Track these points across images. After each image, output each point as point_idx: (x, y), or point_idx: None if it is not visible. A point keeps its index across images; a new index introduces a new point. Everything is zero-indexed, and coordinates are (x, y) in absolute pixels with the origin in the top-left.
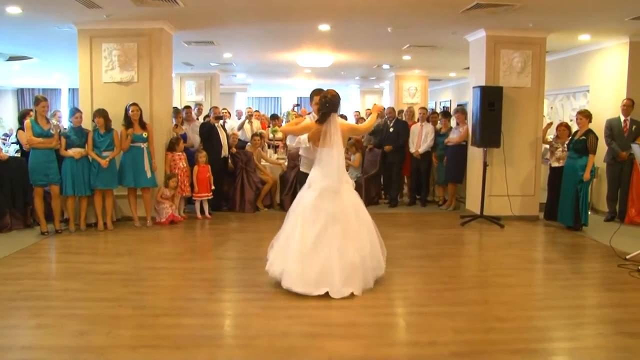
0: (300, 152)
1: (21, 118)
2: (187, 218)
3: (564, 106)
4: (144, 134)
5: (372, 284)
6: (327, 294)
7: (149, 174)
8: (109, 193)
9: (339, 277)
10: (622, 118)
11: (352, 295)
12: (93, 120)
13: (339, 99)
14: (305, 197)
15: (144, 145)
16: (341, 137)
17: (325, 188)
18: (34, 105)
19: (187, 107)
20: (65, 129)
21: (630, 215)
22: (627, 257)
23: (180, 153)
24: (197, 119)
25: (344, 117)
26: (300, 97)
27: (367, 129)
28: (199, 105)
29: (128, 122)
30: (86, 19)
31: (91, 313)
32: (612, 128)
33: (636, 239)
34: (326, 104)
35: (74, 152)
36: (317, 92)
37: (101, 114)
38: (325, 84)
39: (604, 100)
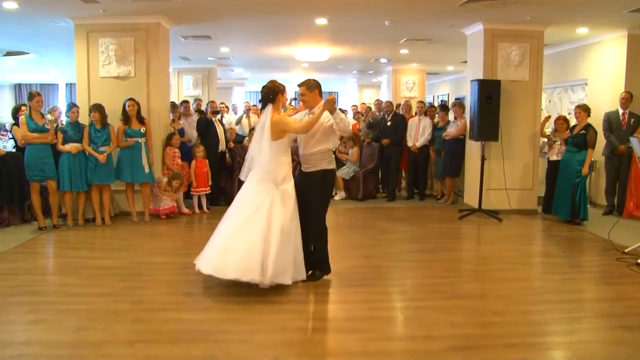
0: None
1: (14, 113)
2: (190, 214)
3: (562, 99)
4: (142, 129)
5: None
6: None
7: (146, 169)
8: (107, 188)
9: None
10: (621, 111)
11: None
12: (89, 115)
13: (275, 89)
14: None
15: (141, 140)
16: (269, 129)
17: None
18: (28, 100)
19: (185, 102)
20: (63, 124)
21: (628, 209)
22: (626, 250)
23: (175, 149)
24: (195, 113)
25: (342, 111)
26: (298, 92)
27: (301, 128)
28: (197, 100)
29: (126, 117)
30: (83, 13)
31: (88, 308)
32: (611, 121)
33: (634, 232)
34: (261, 93)
35: (71, 147)
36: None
37: (97, 108)
38: (323, 78)
39: (602, 93)
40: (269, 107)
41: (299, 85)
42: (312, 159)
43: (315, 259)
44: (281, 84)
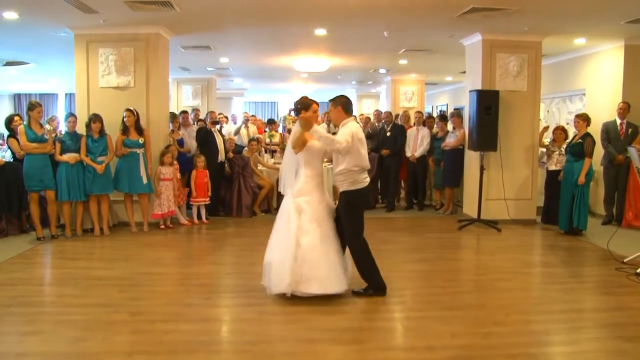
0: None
1: (7, 124)
2: (190, 225)
3: (560, 110)
4: (140, 140)
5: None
6: None
7: (145, 180)
8: (105, 198)
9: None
10: (618, 121)
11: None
12: (87, 126)
13: (301, 104)
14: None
15: (140, 151)
16: (291, 142)
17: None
18: (28, 110)
19: (184, 112)
20: (62, 134)
21: (627, 219)
22: (625, 260)
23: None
24: (194, 124)
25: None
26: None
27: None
28: (195, 110)
29: (124, 127)
30: (83, 24)
31: (86, 319)
32: (609, 131)
33: (634, 242)
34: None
35: (69, 157)
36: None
37: (98, 118)
38: (322, 89)
39: (600, 103)
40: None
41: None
42: (338, 178)
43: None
44: (311, 101)
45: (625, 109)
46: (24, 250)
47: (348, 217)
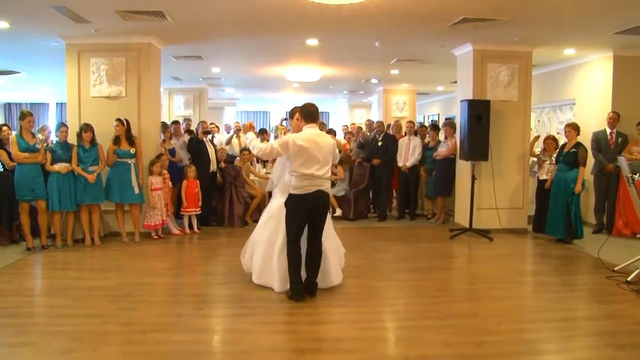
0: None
1: None
2: (181, 235)
3: (550, 119)
4: (132, 150)
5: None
6: None
7: (136, 190)
8: (96, 208)
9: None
10: (608, 130)
11: None
12: (78, 135)
13: (291, 111)
14: None
15: (131, 161)
16: None
17: None
18: (19, 120)
19: (175, 122)
20: (53, 143)
21: (617, 227)
22: (616, 268)
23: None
24: (184, 133)
25: (333, 131)
26: (289, 112)
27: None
28: (187, 120)
29: (116, 137)
30: (74, 33)
31: (77, 330)
32: (599, 140)
33: (624, 251)
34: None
35: (60, 167)
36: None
37: (89, 128)
38: (314, 98)
39: (590, 113)
40: None
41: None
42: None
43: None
44: (297, 108)
45: (614, 119)
46: (14, 261)
47: (285, 220)
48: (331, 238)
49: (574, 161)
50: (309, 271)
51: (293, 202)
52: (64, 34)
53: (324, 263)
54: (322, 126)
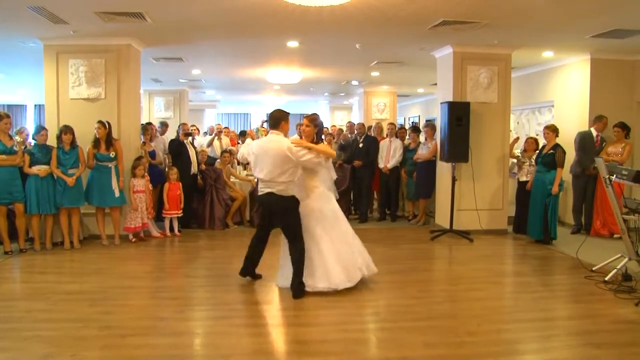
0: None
1: None
2: (162, 237)
3: (529, 121)
4: (111, 154)
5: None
6: None
7: (117, 193)
8: (76, 211)
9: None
10: (595, 133)
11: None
12: (58, 137)
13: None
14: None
15: (111, 165)
16: None
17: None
18: None
19: (149, 124)
20: (31, 145)
21: (595, 228)
22: (594, 268)
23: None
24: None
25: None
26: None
27: None
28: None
29: (95, 140)
30: (52, 34)
31: (56, 334)
32: (585, 140)
33: (602, 251)
34: (320, 127)
35: (39, 169)
36: (285, 115)
37: (69, 130)
38: (295, 101)
39: (569, 114)
40: None
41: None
42: None
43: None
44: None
45: (605, 124)
46: None
47: None
48: (334, 243)
49: (552, 162)
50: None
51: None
52: (42, 35)
53: (310, 264)
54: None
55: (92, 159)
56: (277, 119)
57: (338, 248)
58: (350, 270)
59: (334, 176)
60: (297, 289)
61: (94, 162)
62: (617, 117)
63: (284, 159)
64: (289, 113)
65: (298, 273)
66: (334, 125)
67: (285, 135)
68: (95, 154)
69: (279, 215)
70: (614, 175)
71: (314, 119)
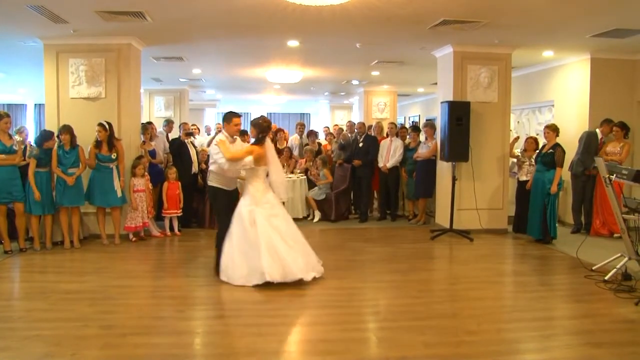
0: (212, 168)
1: None
2: (162, 236)
3: (530, 120)
4: (112, 155)
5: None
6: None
7: (119, 193)
8: (76, 211)
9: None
10: (600, 135)
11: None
12: (58, 137)
13: (270, 125)
14: (259, 210)
15: (112, 165)
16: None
17: (271, 198)
18: None
19: (149, 123)
20: (32, 145)
21: (595, 227)
22: (594, 268)
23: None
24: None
25: (314, 133)
26: (270, 113)
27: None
28: (169, 122)
29: (97, 141)
30: (52, 33)
31: (56, 334)
32: (591, 142)
33: (601, 250)
34: (266, 128)
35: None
36: (234, 114)
37: (67, 130)
38: (295, 100)
39: (569, 114)
40: (268, 139)
41: (237, 117)
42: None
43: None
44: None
45: (610, 129)
46: None
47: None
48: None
49: (552, 162)
50: None
51: None
52: (42, 34)
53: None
54: (302, 127)
55: (93, 159)
56: (223, 119)
57: (246, 248)
58: (254, 271)
59: (279, 179)
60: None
61: (96, 163)
62: (617, 116)
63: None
64: (236, 114)
65: (218, 255)
66: (336, 125)
67: (232, 134)
68: (96, 155)
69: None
70: (614, 175)
71: (255, 122)
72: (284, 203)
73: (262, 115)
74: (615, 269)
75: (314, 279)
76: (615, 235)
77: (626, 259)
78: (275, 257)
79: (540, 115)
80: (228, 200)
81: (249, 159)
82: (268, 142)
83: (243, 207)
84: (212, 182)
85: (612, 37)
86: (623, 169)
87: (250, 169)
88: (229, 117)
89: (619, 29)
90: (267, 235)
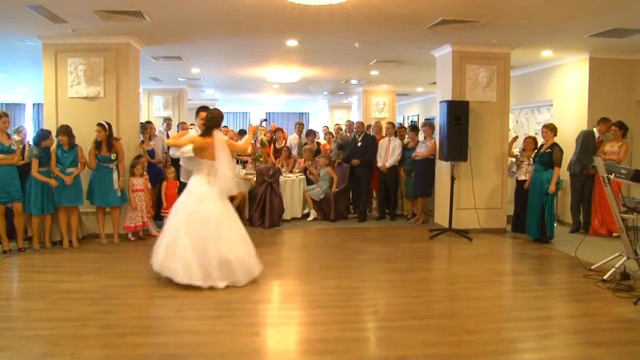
0: (181, 163)
1: None
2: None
3: (528, 120)
4: (112, 156)
5: (242, 283)
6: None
7: (118, 193)
8: (74, 210)
9: (217, 271)
10: (597, 135)
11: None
12: (56, 137)
13: (222, 117)
14: (186, 202)
15: (112, 166)
16: (228, 151)
17: (204, 193)
18: None
19: (149, 123)
20: (30, 144)
21: (593, 227)
22: (592, 267)
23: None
24: (167, 134)
25: (313, 132)
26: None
27: (244, 149)
28: (167, 120)
29: (97, 141)
30: (51, 33)
31: (55, 334)
32: (589, 140)
33: (600, 250)
34: (211, 119)
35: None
36: (203, 108)
37: (65, 131)
38: (294, 99)
39: (567, 114)
40: (218, 132)
41: (203, 111)
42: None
43: None
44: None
45: (608, 128)
46: None
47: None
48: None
49: (550, 161)
50: None
51: None
52: (40, 33)
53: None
54: (301, 127)
55: (94, 160)
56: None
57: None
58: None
59: (225, 173)
60: None
61: (96, 162)
62: (616, 116)
63: None
64: (203, 109)
65: None
66: (337, 124)
67: (200, 127)
68: (96, 155)
69: None
70: (613, 174)
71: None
72: (232, 199)
73: (215, 108)
74: (613, 269)
75: (226, 287)
76: (614, 234)
77: (625, 258)
78: (171, 253)
79: (539, 114)
80: None
81: (189, 147)
82: (219, 136)
83: (179, 199)
84: (182, 178)
85: (610, 36)
86: (622, 169)
87: (194, 161)
88: (198, 111)
89: (618, 28)
90: (175, 229)
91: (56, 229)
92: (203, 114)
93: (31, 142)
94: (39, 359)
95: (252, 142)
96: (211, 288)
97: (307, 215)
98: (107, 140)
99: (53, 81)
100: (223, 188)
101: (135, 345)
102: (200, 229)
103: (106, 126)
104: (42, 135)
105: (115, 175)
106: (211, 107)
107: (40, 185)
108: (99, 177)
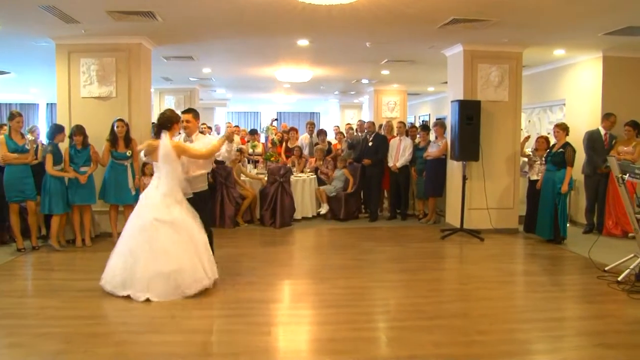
0: None
1: None
2: None
3: (541, 119)
4: (128, 153)
5: (182, 295)
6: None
7: (133, 191)
8: (87, 209)
9: (140, 282)
10: (602, 131)
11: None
12: (70, 137)
13: (169, 118)
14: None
15: (127, 163)
16: (171, 154)
17: (149, 196)
18: (8, 120)
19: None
20: (43, 144)
21: (607, 227)
22: (606, 268)
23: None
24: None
25: (324, 132)
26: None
27: (200, 155)
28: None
29: (113, 138)
30: (64, 33)
31: (68, 331)
32: (594, 140)
33: (614, 250)
34: (158, 120)
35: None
36: (186, 110)
37: (79, 131)
38: (305, 99)
39: (580, 113)
40: (165, 134)
41: (185, 113)
42: (195, 181)
43: None
44: (177, 115)
45: (613, 122)
46: (4, 262)
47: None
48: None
49: (562, 161)
50: None
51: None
52: (53, 34)
53: None
54: (312, 126)
55: (107, 155)
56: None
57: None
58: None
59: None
60: None
61: (110, 159)
62: (630, 115)
63: None
64: (186, 111)
65: None
66: (348, 124)
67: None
68: (112, 152)
69: None
70: (627, 174)
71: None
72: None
73: (168, 108)
74: (628, 270)
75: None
76: (629, 235)
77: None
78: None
79: (552, 114)
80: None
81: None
82: (164, 139)
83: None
84: None
85: (624, 35)
86: (636, 168)
87: (154, 163)
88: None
89: (632, 26)
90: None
91: (69, 228)
92: (185, 116)
93: (44, 142)
94: (52, 356)
95: (263, 142)
96: (128, 297)
97: (319, 214)
98: (125, 135)
99: (66, 81)
100: (166, 192)
101: (148, 344)
102: (134, 236)
103: (126, 122)
104: (56, 130)
105: (130, 173)
106: (220, 107)
107: (58, 183)
108: (114, 175)
